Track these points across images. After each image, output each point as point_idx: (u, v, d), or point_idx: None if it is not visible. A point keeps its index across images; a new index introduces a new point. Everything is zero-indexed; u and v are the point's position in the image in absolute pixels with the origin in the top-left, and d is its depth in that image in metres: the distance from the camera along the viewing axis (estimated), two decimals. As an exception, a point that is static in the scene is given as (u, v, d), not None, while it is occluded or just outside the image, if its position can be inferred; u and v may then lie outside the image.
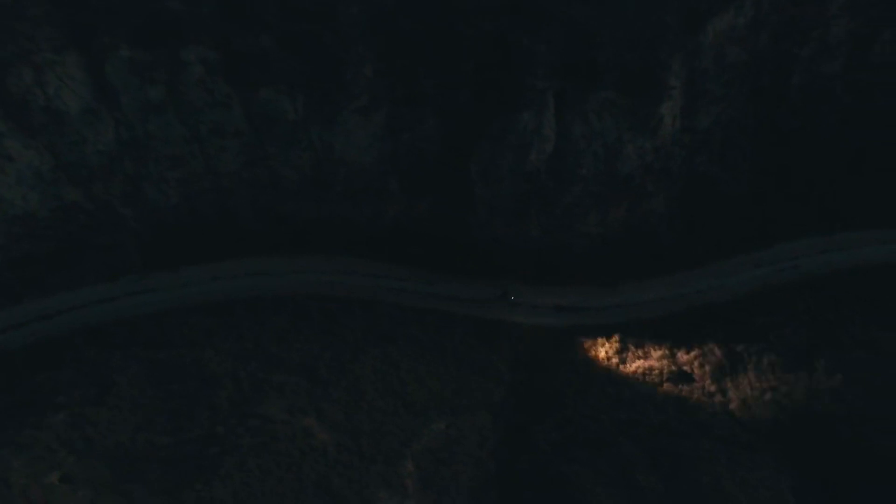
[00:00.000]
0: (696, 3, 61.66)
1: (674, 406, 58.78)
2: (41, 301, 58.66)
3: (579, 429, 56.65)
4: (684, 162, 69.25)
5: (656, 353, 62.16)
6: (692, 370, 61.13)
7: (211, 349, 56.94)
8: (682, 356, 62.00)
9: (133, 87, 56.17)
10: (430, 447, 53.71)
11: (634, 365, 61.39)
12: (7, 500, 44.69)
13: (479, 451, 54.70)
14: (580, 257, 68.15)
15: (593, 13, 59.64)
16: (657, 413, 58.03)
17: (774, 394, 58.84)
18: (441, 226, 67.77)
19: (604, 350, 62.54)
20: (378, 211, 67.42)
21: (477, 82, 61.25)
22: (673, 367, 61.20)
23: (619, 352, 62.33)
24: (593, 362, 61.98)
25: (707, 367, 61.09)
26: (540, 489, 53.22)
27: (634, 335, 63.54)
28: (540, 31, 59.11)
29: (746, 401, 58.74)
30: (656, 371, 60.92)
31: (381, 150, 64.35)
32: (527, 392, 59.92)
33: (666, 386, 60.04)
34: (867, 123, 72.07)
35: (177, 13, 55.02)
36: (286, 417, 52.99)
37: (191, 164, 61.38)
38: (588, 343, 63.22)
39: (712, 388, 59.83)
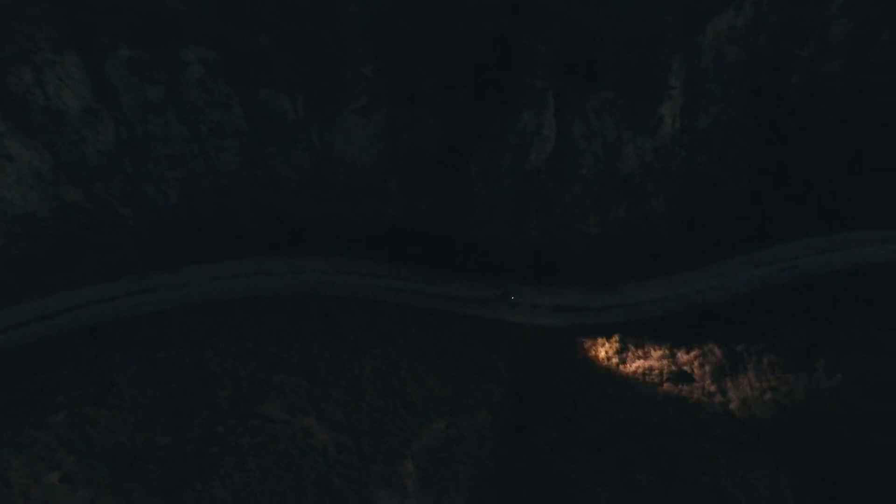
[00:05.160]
0: (696, 3, 61.69)
1: (673, 406, 58.76)
2: (41, 301, 58.54)
3: (579, 428, 56.64)
4: (684, 162, 69.29)
5: (656, 353, 62.17)
6: (692, 370, 61.15)
7: (210, 349, 56.86)
8: (682, 356, 62.01)
9: (133, 87, 56.15)
10: (430, 447, 53.68)
11: (634, 365, 61.40)
12: (7, 500, 44.62)
13: (478, 451, 54.68)
14: (580, 257, 68.14)
15: (593, 13, 59.67)
16: (657, 413, 58.01)
17: (774, 394, 58.85)
18: (440, 225, 67.77)
19: (604, 350, 62.54)
20: (377, 211, 67.41)
21: (476, 82, 61.24)
22: (673, 367, 61.21)
23: (619, 352, 62.33)
24: (593, 362, 61.98)
25: (707, 367, 61.12)
26: (540, 488, 53.23)
27: (634, 335, 63.52)
28: (539, 31, 59.12)
29: (746, 401, 58.75)
30: (656, 371, 60.93)
31: (380, 149, 64.35)
32: (527, 392, 59.92)
33: (666, 386, 60.05)
34: (866, 123, 72.15)
35: (176, 12, 55.00)
36: (286, 417, 52.96)
37: (190, 163, 61.37)
38: (588, 343, 63.21)
39: (712, 388, 59.84)
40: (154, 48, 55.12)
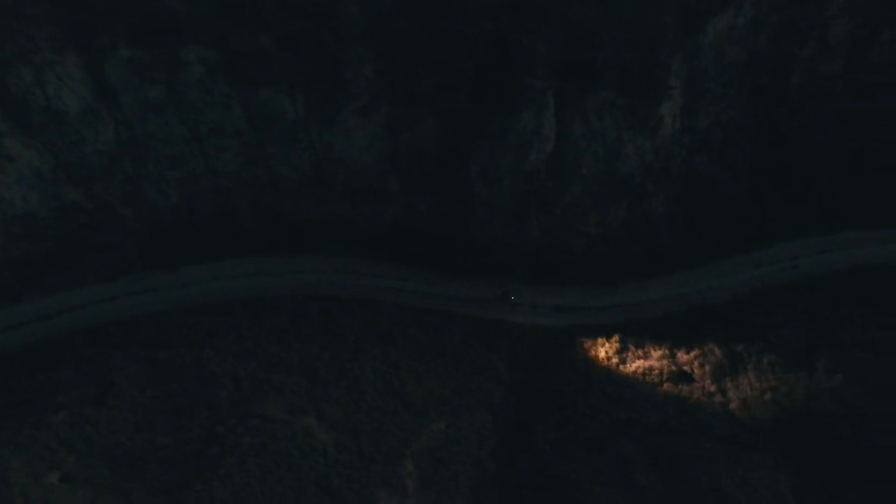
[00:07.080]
0: (696, 3, 61.71)
1: (674, 406, 58.76)
2: (41, 301, 58.55)
3: (579, 428, 56.64)
4: (684, 162, 69.31)
5: (656, 353, 62.17)
6: (692, 370, 61.15)
7: (210, 349, 56.87)
8: (682, 356, 62.02)
9: (133, 87, 56.15)
10: (430, 447, 53.69)
11: (634, 365, 61.40)
12: (7, 500, 44.64)
13: (478, 451, 54.69)
14: (580, 257, 68.15)
15: (593, 13, 59.68)
16: (657, 413, 58.01)
17: (774, 394, 58.85)
18: (440, 225, 67.77)
19: (604, 350, 62.55)
20: (377, 211, 67.41)
21: (476, 82, 61.25)
22: (673, 367, 61.21)
23: (619, 352, 62.33)
24: (593, 362, 61.99)
25: (707, 367, 61.12)
26: (539, 488, 53.24)
27: (634, 335, 63.53)
28: (539, 31, 59.13)
29: (746, 401, 58.76)
30: (656, 371, 60.93)
31: (380, 149, 64.35)
32: (527, 392, 59.92)
33: (666, 386, 60.06)
34: (866, 123, 72.15)
35: (176, 12, 55.01)
36: (286, 417, 52.97)
37: (190, 163, 61.38)
38: (588, 343, 63.21)
39: (712, 388, 59.84)
40: (154, 48, 55.12)
